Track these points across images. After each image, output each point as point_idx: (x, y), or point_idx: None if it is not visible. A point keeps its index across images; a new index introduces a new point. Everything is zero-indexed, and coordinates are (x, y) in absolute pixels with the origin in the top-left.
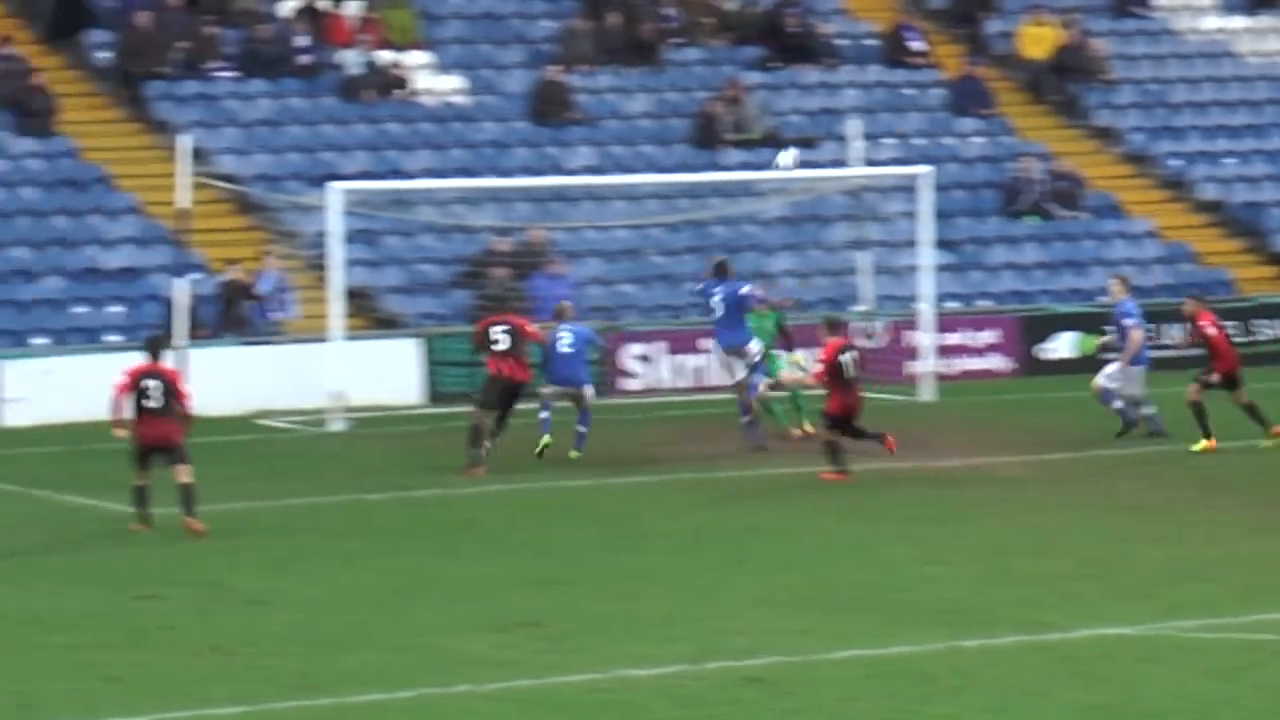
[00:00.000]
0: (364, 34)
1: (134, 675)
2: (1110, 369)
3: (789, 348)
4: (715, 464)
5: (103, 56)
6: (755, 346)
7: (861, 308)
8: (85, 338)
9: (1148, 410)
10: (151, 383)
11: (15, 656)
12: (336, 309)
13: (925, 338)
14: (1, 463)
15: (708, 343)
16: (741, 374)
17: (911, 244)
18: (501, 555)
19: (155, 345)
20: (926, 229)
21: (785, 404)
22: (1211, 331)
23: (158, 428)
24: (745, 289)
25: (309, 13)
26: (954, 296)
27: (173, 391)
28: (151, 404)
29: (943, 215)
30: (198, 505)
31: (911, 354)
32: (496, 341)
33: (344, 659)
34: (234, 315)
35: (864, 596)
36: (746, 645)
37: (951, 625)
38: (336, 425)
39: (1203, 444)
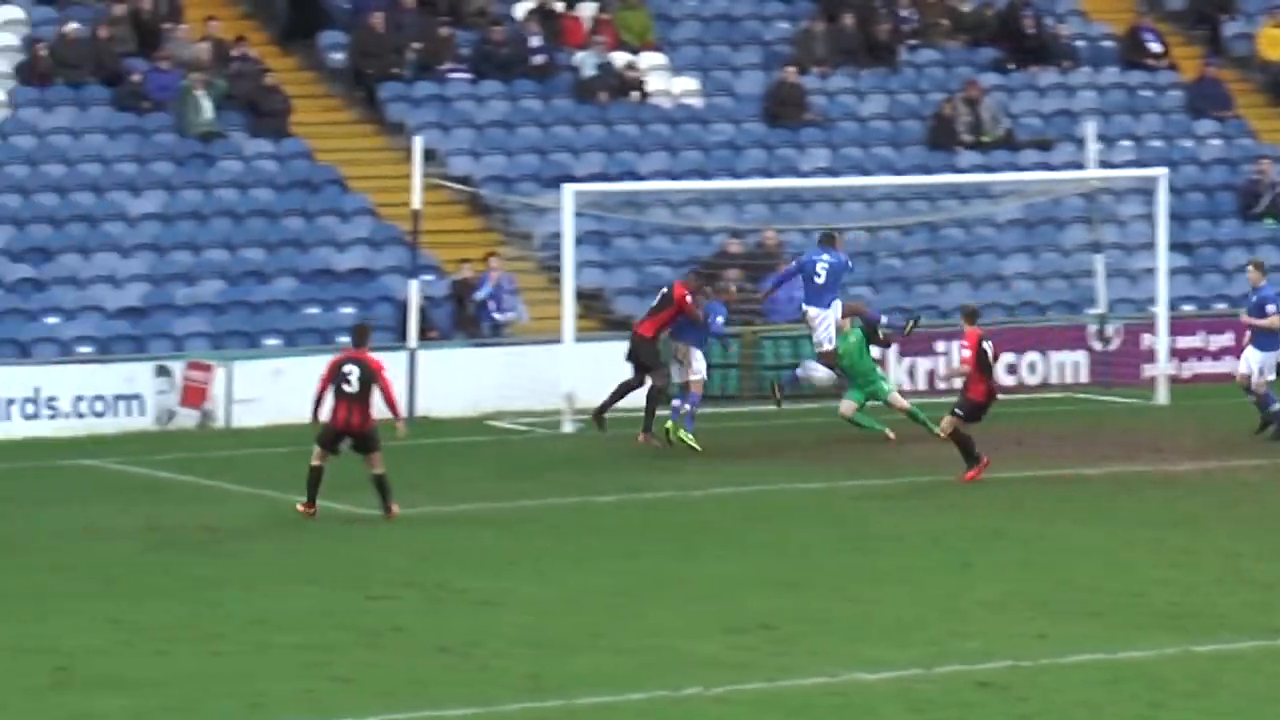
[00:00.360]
0: (598, 35)
1: (363, 676)
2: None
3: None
4: (949, 467)
5: (336, 58)
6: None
7: (1096, 311)
8: (317, 339)
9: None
10: (351, 368)
11: (245, 656)
12: (568, 310)
13: (1160, 341)
14: (232, 464)
15: (941, 345)
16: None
17: (1147, 247)
18: (735, 557)
19: (359, 334)
20: (1162, 232)
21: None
22: None
23: (351, 413)
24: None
25: (543, 14)
26: (1190, 299)
27: (372, 379)
28: (348, 389)
29: (1179, 218)
30: (391, 495)
31: (1146, 357)
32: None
33: (574, 660)
34: (465, 316)
35: (1098, 600)
36: (979, 649)
37: (1186, 630)
38: (568, 427)
39: None
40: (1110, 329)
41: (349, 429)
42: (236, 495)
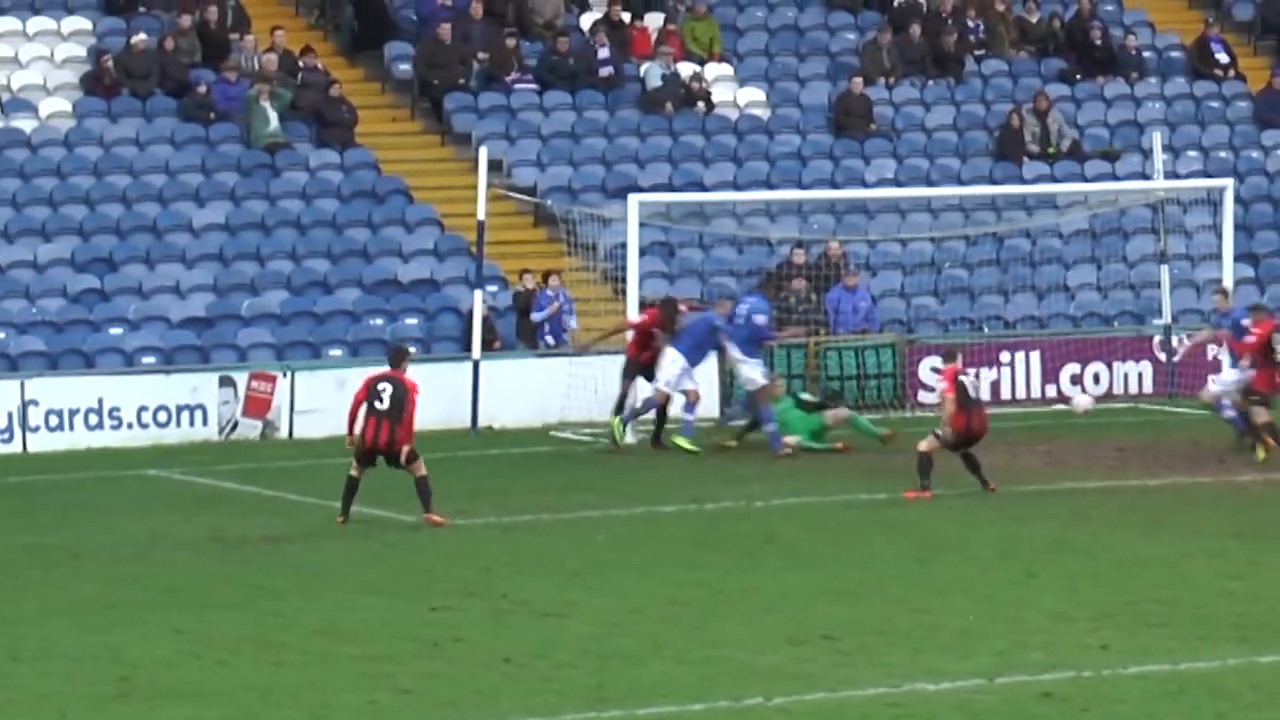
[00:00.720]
0: (664, 46)
1: (425, 687)
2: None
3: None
4: (1015, 477)
5: (403, 69)
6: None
7: (1161, 321)
8: (381, 350)
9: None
10: (386, 386)
11: (308, 667)
12: (633, 322)
13: (1225, 352)
14: (294, 474)
15: (1006, 355)
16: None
17: (1214, 258)
18: (797, 568)
19: (397, 356)
20: (1228, 243)
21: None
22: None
23: (382, 431)
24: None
25: (609, 24)
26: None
27: (404, 399)
28: (380, 406)
29: (1245, 229)
30: (434, 498)
31: (1212, 368)
32: None
33: (637, 671)
34: (528, 326)
35: (1162, 612)
36: (1042, 660)
37: (1250, 641)
38: (631, 437)
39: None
40: (1175, 340)
41: (378, 446)
42: (299, 506)
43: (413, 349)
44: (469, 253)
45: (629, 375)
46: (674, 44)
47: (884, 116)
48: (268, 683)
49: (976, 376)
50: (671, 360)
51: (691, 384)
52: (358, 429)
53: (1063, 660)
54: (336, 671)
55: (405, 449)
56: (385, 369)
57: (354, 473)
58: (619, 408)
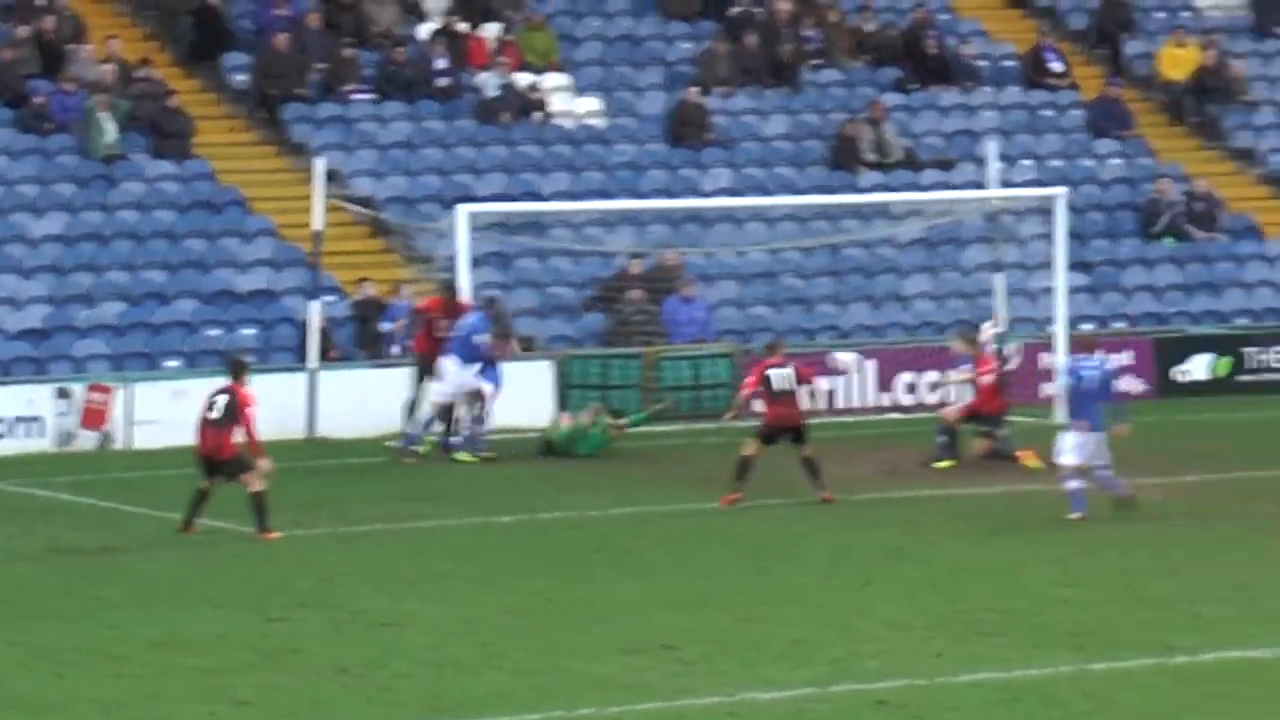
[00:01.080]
0: (501, 56)
1: (263, 698)
2: None
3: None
4: (851, 486)
5: (240, 79)
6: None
7: (996, 329)
8: (218, 360)
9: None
10: (219, 397)
11: (146, 679)
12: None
13: (1059, 360)
14: (132, 485)
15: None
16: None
17: (1047, 266)
18: (633, 578)
19: (235, 368)
20: (1062, 251)
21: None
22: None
23: (211, 440)
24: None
25: (446, 35)
26: (1089, 318)
27: (236, 409)
28: (211, 415)
29: (1079, 237)
30: (268, 516)
31: (1045, 376)
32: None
33: (473, 681)
34: (367, 336)
35: (996, 620)
36: (877, 668)
37: (1083, 649)
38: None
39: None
40: (1009, 348)
41: (209, 455)
42: (136, 517)
43: (250, 359)
44: (306, 263)
45: (420, 375)
46: (511, 54)
47: (720, 126)
48: (106, 695)
49: (805, 380)
50: (449, 368)
51: (475, 384)
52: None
53: (897, 668)
54: (175, 683)
55: (232, 459)
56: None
57: (202, 484)
58: (412, 408)
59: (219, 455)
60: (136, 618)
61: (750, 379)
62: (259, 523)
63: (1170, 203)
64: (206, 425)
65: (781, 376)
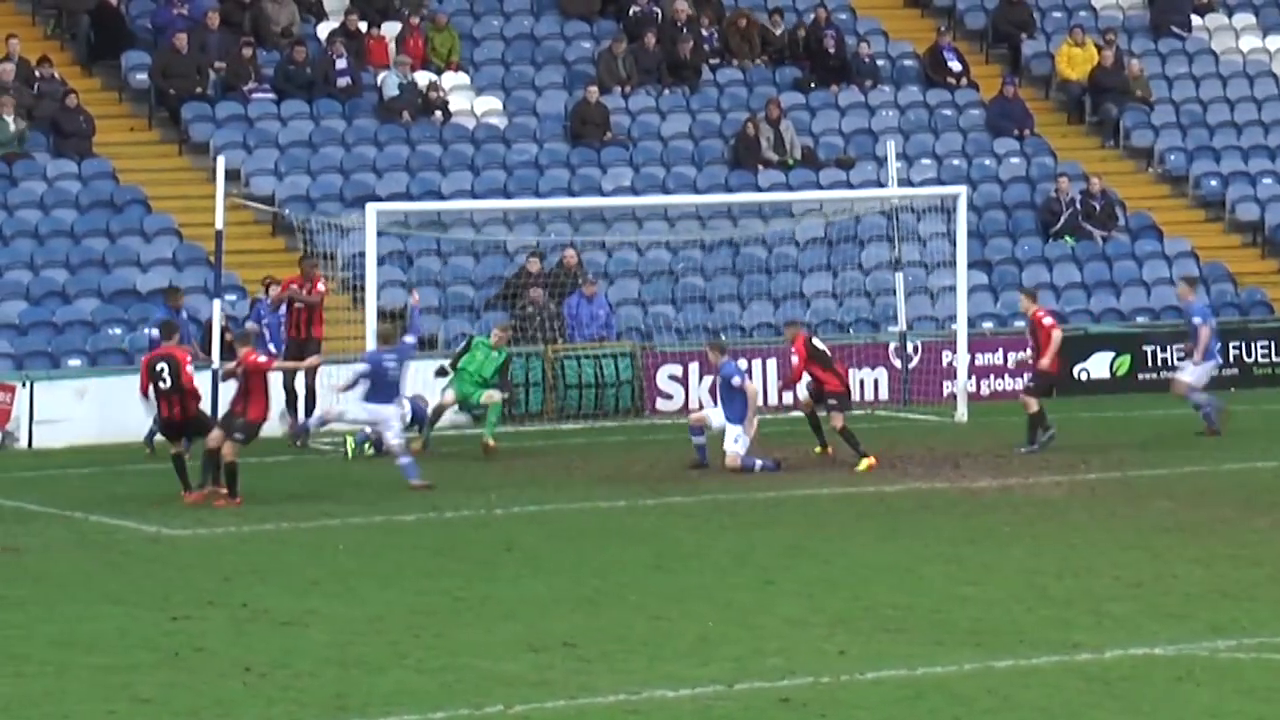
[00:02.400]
0: (401, 55)
1: (165, 696)
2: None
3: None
4: (751, 485)
5: (140, 78)
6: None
7: (897, 328)
8: (120, 359)
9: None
10: (162, 366)
11: (47, 678)
12: (371, 331)
13: (960, 358)
14: (34, 484)
15: (743, 363)
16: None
17: (947, 265)
18: (537, 576)
19: (166, 329)
20: (962, 250)
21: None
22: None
23: (174, 407)
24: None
25: (345, 34)
26: (989, 317)
27: (179, 371)
28: (164, 386)
29: (978, 236)
30: (220, 475)
31: (946, 374)
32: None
33: (378, 680)
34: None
35: (899, 617)
36: (780, 665)
37: (985, 646)
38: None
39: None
40: (910, 346)
41: (174, 420)
42: (39, 516)
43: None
44: (208, 262)
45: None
46: (410, 53)
47: (620, 125)
48: (7, 693)
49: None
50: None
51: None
52: (156, 410)
53: (800, 666)
54: (76, 682)
55: (194, 419)
56: (159, 348)
57: (172, 450)
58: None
59: (184, 417)
60: (38, 616)
61: (797, 357)
62: (231, 487)
63: (1069, 201)
64: (163, 396)
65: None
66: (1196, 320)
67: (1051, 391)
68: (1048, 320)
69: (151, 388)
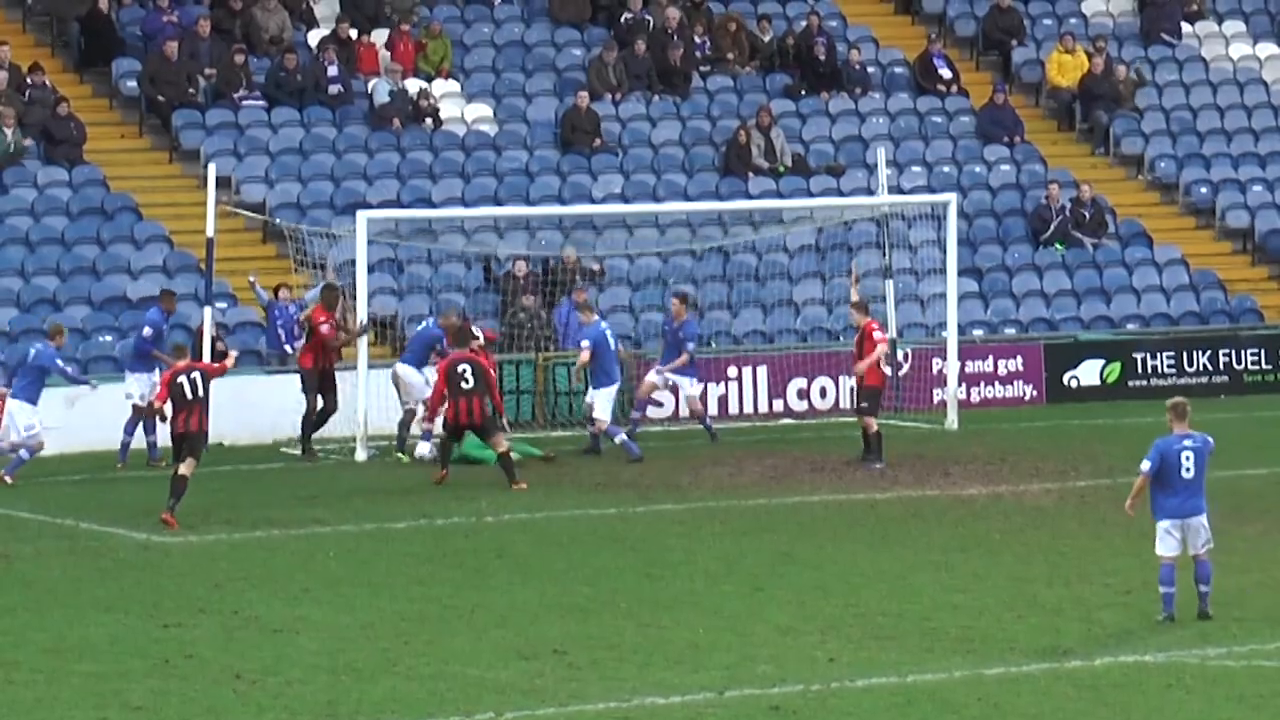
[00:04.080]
0: (392, 63)
1: (156, 703)
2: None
3: None
4: (742, 492)
5: (130, 85)
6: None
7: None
8: (111, 366)
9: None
10: (464, 366)
11: (39, 685)
12: (362, 338)
13: (950, 365)
14: (26, 491)
15: (733, 370)
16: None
17: (938, 272)
18: (528, 583)
19: (462, 335)
20: (952, 257)
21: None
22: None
23: (185, 420)
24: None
25: (336, 41)
26: (980, 324)
27: (483, 375)
28: (465, 385)
29: (969, 243)
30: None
31: (937, 381)
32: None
33: (369, 688)
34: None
35: (889, 625)
36: (770, 673)
37: (975, 653)
38: (362, 453)
39: None
40: (901, 354)
41: (189, 431)
42: (31, 523)
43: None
44: (198, 269)
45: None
46: (402, 60)
47: (610, 132)
48: None
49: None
50: (412, 375)
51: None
52: (445, 410)
53: (791, 673)
54: (67, 689)
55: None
56: (461, 351)
57: (182, 469)
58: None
59: (474, 419)
60: (29, 623)
61: (440, 376)
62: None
63: (1059, 208)
64: (461, 396)
65: (465, 374)
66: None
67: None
68: (878, 334)
69: (448, 389)
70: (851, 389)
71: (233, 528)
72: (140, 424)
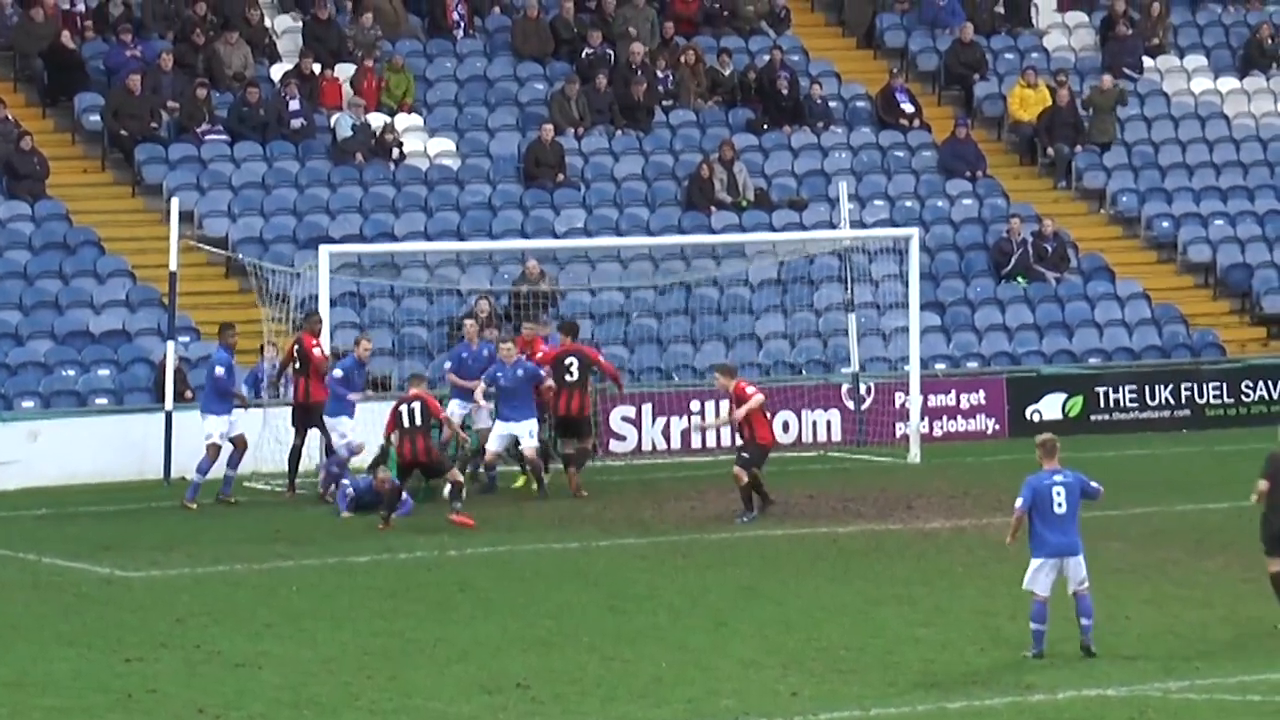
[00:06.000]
0: (355, 97)
1: None
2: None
3: None
4: (704, 526)
5: (93, 119)
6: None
7: (849, 369)
8: (73, 401)
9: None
10: (414, 406)
11: None
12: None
13: (913, 399)
14: None
15: (696, 404)
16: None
17: (900, 306)
18: (491, 617)
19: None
20: (915, 291)
21: None
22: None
23: (411, 446)
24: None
25: (299, 76)
26: (942, 358)
27: (427, 413)
28: (409, 425)
29: (931, 277)
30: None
31: (899, 415)
32: None
33: None
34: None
35: (852, 659)
36: (733, 707)
37: (939, 687)
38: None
39: None
40: (863, 388)
41: (417, 459)
42: None
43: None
44: (161, 304)
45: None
46: (364, 94)
47: (573, 166)
48: None
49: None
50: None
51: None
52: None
53: (753, 707)
54: None
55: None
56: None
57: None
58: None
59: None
60: None
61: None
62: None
63: (1020, 242)
64: (405, 435)
65: (412, 411)
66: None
67: (762, 465)
68: (751, 390)
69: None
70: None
71: (195, 562)
72: (214, 462)
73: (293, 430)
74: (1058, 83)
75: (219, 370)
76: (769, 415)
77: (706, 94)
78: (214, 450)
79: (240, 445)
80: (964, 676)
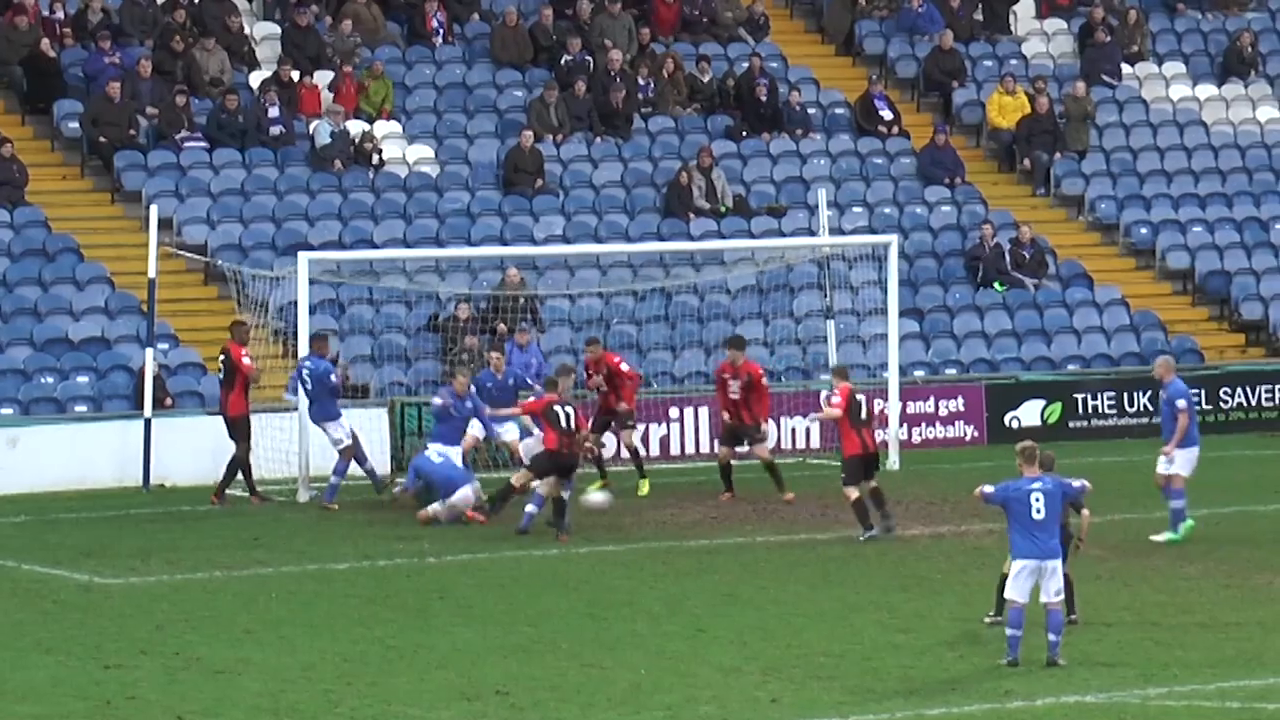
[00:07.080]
0: (334, 104)
1: None
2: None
3: None
4: (685, 532)
5: (72, 126)
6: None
7: (828, 376)
8: (53, 408)
9: None
10: (567, 410)
11: None
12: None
13: (892, 406)
14: None
15: (675, 411)
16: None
17: (879, 313)
18: (471, 624)
19: (551, 382)
20: (894, 298)
21: None
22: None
23: (566, 447)
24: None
25: (278, 83)
26: (921, 365)
27: (577, 417)
28: (565, 428)
29: (910, 284)
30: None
31: (878, 422)
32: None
33: None
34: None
35: (831, 665)
36: (712, 713)
37: (918, 694)
38: (304, 495)
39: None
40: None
41: (572, 459)
42: None
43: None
44: (140, 311)
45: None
46: (342, 102)
47: (552, 173)
48: None
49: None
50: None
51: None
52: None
53: (732, 713)
54: None
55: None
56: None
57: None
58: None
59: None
60: None
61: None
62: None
63: (1000, 250)
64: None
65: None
66: (1180, 404)
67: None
68: (836, 399)
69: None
70: (811, 427)
71: (174, 569)
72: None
73: (236, 441)
74: (1036, 90)
75: (332, 378)
76: (863, 426)
77: (685, 101)
78: (348, 452)
79: (347, 455)
80: (943, 683)
